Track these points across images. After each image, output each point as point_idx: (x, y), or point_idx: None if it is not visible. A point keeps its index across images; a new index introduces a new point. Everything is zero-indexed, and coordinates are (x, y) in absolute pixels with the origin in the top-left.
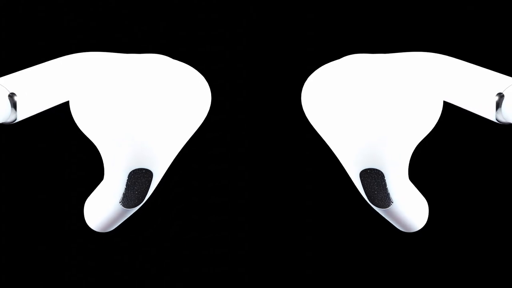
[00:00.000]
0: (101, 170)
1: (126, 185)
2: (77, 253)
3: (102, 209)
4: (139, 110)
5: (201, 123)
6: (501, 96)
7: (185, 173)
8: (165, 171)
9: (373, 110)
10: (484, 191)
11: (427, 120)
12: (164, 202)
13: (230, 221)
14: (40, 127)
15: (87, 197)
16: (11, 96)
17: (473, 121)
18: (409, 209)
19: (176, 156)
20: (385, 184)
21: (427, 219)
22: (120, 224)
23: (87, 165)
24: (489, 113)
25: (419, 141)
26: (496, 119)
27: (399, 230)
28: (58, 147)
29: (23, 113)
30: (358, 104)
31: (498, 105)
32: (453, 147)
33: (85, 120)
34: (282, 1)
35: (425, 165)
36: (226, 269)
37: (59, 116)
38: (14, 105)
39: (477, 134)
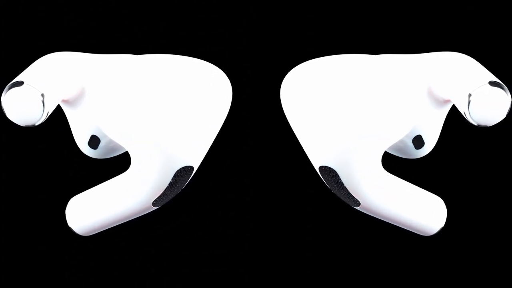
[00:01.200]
0: (101, 170)
1: (169, 184)
2: (77, 253)
3: (119, 209)
4: (177, 108)
5: (226, 115)
6: (470, 97)
7: None
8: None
9: (341, 108)
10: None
11: (394, 128)
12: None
13: (230, 221)
14: (40, 127)
15: None
16: (43, 96)
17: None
18: (394, 209)
19: None
20: (341, 183)
21: (443, 221)
22: (120, 224)
23: (88, 165)
24: (466, 115)
25: (387, 145)
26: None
27: (399, 230)
28: (59, 147)
29: (48, 113)
30: (328, 99)
31: (468, 106)
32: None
33: (118, 127)
34: (282, 1)
35: (440, 167)
36: (226, 269)
37: (59, 115)
38: (44, 106)
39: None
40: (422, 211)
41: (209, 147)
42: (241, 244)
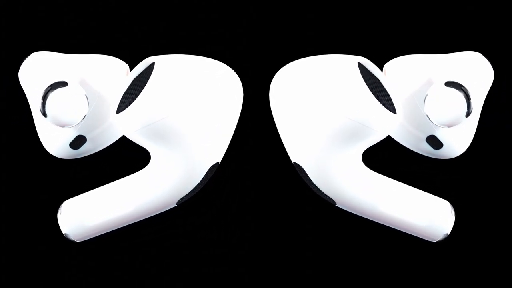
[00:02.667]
0: (102, 170)
1: (200, 181)
2: (77, 253)
3: (143, 206)
4: (198, 112)
5: (240, 108)
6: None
7: None
8: None
9: (306, 107)
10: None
11: (363, 131)
12: None
13: (230, 221)
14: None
15: None
16: (86, 97)
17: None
18: (378, 207)
19: None
20: (310, 180)
21: (446, 224)
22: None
23: (88, 165)
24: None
25: (359, 145)
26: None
27: (398, 231)
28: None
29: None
30: (296, 99)
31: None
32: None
33: (144, 138)
34: (282, 1)
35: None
36: (226, 269)
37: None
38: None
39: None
40: (416, 211)
41: (229, 142)
42: (241, 244)
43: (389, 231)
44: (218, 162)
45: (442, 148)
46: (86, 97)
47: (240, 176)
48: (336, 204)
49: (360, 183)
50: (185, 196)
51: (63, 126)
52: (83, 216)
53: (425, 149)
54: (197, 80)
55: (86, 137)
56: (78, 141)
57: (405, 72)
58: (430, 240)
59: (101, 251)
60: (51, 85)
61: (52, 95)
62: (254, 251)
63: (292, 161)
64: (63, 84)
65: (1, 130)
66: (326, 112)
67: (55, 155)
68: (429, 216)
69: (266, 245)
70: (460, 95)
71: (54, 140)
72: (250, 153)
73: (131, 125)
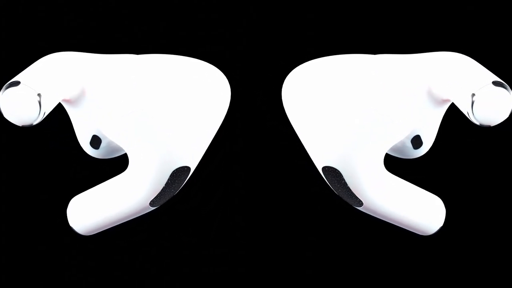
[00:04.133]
0: (102, 170)
1: (166, 184)
2: (77, 253)
3: (117, 209)
4: (174, 109)
5: (224, 115)
6: (473, 97)
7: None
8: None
9: (335, 109)
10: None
11: (395, 128)
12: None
13: (230, 221)
14: (41, 127)
15: None
16: (39, 96)
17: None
18: (396, 209)
19: None
20: (345, 183)
21: (441, 220)
22: (120, 224)
23: (88, 165)
24: (470, 115)
25: (389, 145)
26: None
27: (398, 230)
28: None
29: (44, 113)
30: (324, 102)
31: (471, 106)
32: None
33: (119, 130)
34: (282, 1)
35: (439, 166)
36: (226, 269)
37: (60, 115)
38: (40, 106)
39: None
40: (422, 211)
41: (206, 148)
42: (241, 244)
43: (389, 231)
44: (189, 167)
45: (420, 148)
46: (40, 96)
47: (240, 177)
48: (361, 206)
49: (385, 184)
50: (156, 198)
51: (21, 125)
52: (79, 215)
53: (404, 150)
54: (182, 80)
55: (101, 138)
56: (96, 141)
57: (401, 72)
58: (423, 234)
59: (101, 251)
60: (6, 85)
61: (3, 94)
62: (254, 251)
63: (321, 166)
64: (15, 84)
65: (1, 130)
66: (354, 109)
67: (89, 154)
68: (429, 210)
69: (266, 245)
70: (508, 94)
71: (80, 139)
72: (250, 154)
73: (106, 117)
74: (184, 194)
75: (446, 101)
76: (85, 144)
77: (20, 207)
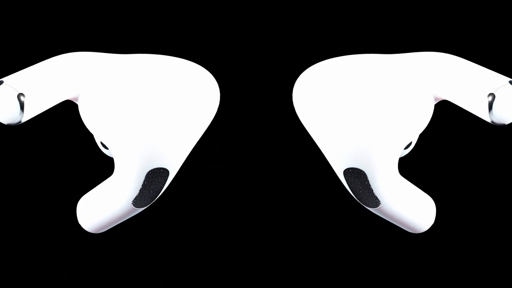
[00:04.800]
0: (101, 171)
1: (143, 185)
2: (77, 253)
3: (108, 209)
4: (155, 110)
5: (211, 120)
6: (492, 96)
7: (185, 173)
8: (178, 169)
9: (360, 110)
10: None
11: (413, 124)
12: (164, 203)
13: (230, 221)
14: (41, 127)
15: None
16: (19, 96)
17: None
18: (405, 209)
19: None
20: (368, 184)
21: (433, 219)
22: (121, 224)
23: (88, 166)
24: (483, 114)
25: (406, 143)
26: (491, 120)
27: (397, 229)
28: (59, 147)
29: (29, 114)
30: (344, 103)
31: (490, 106)
32: (455, 146)
33: (98, 123)
34: (282, 1)
35: (430, 165)
36: (226, 270)
37: (59, 116)
38: (22, 106)
39: (479, 132)
40: (421, 210)
41: (188, 152)
42: (241, 245)
43: (389, 232)
44: (166, 169)
45: (409, 147)
46: (22, 95)
47: (239, 177)
48: (377, 206)
49: (398, 184)
50: (137, 199)
51: (6, 124)
52: (83, 213)
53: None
54: (166, 82)
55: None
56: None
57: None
58: (415, 232)
59: (101, 251)
60: None
61: None
62: (254, 251)
63: (343, 168)
64: None
65: (1, 130)
66: (374, 108)
67: (105, 153)
68: (426, 211)
69: (266, 245)
70: None
71: (95, 139)
72: (250, 155)
73: (90, 115)
74: (184, 194)
75: (437, 100)
76: (98, 143)
77: (20, 207)
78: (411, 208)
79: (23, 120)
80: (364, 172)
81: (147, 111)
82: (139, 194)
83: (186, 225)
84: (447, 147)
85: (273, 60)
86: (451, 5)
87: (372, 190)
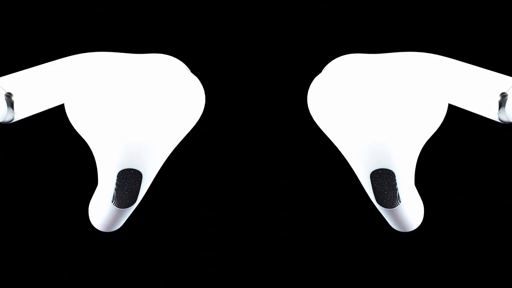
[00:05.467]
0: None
1: (116, 186)
2: (77, 253)
3: (99, 209)
4: (128, 110)
5: (193, 125)
6: (504, 96)
7: (185, 172)
8: (156, 172)
9: (382, 111)
10: (483, 191)
11: (434, 120)
12: (164, 203)
13: (230, 221)
14: (40, 128)
15: (87, 198)
16: (8, 96)
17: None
18: (412, 209)
19: (178, 156)
20: (395, 184)
21: (421, 219)
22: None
23: (88, 166)
24: (491, 113)
25: (425, 141)
26: (499, 119)
27: (397, 229)
28: (59, 147)
29: (21, 113)
30: (367, 106)
31: (501, 104)
32: (452, 147)
33: (77, 119)
34: (282, 1)
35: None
36: (225, 270)
37: (60, 116)
38: (11, 104)
39: (477, 134)
40: (417, 209)
41: (163, 156)
42: (241, 245)
43: (389, 231)
44: (137, 171)
45: None
46: (10, 95)
47: (239, 177)
48: (396, 206)
49: (412, 183)
50: (115, 200)
51: None
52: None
53: None
54: (148, 85)
55: None
56: None
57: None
58: (403, 231)
59: (101, 251)
60: None
61: None
62: (254, 251)
63: (371, 170)
64: None
65: (1, 130)
66: (398, 106)
67: None
68: (419, 210)
69: (265, 246)
70: None
71: None
72: (248, 153)
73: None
74: (184, 194)
75: None
76: None
77: (20, 207)
78: (415, 208)
79: (16, 119)
80: (393, 173)
81: (120, 112)
82: (115, 194)
83: (186, 225)
84: (447, 147)
85: (273, 60)
86: (451, 5)
87: (397, 190)
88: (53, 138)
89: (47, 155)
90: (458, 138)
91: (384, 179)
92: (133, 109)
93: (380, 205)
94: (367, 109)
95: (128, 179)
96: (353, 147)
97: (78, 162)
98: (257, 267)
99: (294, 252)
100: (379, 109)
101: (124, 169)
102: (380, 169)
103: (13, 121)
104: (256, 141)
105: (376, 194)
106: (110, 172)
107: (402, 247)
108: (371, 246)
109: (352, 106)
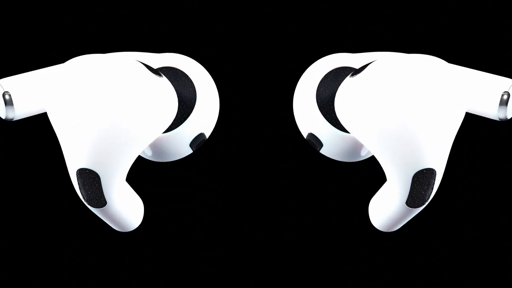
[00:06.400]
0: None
1: (79, 184)
2: (77, 253)
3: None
4: (89, 110)
5: (161, 131)
6: (507, 94)
7: (185, 173)
8: (120, 175)
9: (417, 113)
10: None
11: (458, 118)
12: (164, 203)
13: (230, 221)
14: (41, 127)
15: None
16: (5, 95)
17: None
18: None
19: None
20: (433, 183)
21: None
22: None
23: None
24: (491, 110)
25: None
26: (498, 117)
27: (397, 229)
28: (59, 147)
29: (19, 113)
30: (403, 110)
31: (503, 102)
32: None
33: (53, 116)
34: (282, 1)
35: None
36: (225, 270)
37: None
38: (9, 102)
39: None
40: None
41: (128, 160)
42: (241, 244)
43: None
44: (93, 171)
45: None
46: (7, 94)
47: (239, 178)
48: (422, 205)
49: None
50: (85, 199)
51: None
52: None
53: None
54: (116, 86)
55: None
56: None
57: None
58: (386, 231)
59: (101, 251)
60: None
61: None
62: (254, 252)
63: (414, 171)
64: None
65: (0, 130)
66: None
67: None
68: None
69: (266, 245)
70: None
71: None
72: (248, 156)
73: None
74: (184, 194)
75: None
76: None
77: (20, 207)
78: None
79: (15, 118)
80: (435, 171)
81: (83, 115)
82: (81, 193)
83: (186, 225)
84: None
85: (273, 60)
86: (451, 5)
87: (433, 189)
88: (53, 138)
89: (47, 155)
90: (458, 137)
91: (426, 179)
92: (96, 113)
93: (410, 206)
94: (404, 113)
95: (85, 179)
96: (393, 152)
97: None
98: (257, 267)
99: (294, 252)
100: (415, 112)
101: (81, 169)
102: (425, 169)
103: (14, 119)
104: (256, 141)
105: (414, 195)
106: (70, 170)
107: (402, 247)
108: (371, 246)
109: (388, 111)
